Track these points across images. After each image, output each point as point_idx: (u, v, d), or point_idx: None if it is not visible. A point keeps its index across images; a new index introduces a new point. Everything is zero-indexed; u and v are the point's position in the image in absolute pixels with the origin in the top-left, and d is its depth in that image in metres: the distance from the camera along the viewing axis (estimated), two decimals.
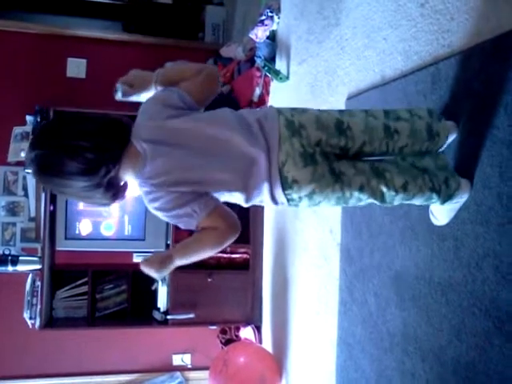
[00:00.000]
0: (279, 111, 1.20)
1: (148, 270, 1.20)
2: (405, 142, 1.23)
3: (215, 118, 1.23)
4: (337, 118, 1.21)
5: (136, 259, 3.13)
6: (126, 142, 1.18)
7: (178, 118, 1.20)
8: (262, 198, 1.21)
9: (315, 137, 1.17)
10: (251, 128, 1.19)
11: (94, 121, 1.19)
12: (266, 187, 1.17)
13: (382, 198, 1.22)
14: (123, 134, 1.18)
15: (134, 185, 1.26)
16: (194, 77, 1.25)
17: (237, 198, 1.23)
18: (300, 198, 1.17)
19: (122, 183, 1.22)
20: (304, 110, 1.23)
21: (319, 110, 1.24)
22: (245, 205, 1.25)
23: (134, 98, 1.30)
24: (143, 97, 1.29)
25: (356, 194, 1.19)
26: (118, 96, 1.28)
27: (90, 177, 1.13)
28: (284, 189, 1.16)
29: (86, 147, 1.12)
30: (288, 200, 1.18)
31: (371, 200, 1.22)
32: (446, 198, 1.25)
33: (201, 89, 1.26)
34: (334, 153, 1.20)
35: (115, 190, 1.20)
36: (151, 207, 1.20)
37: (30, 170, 2.74)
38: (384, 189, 1.20)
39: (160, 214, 1.21)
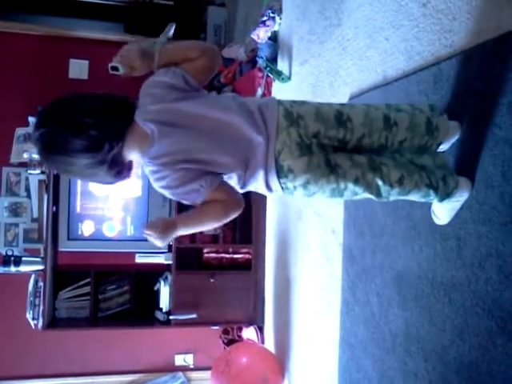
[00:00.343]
0: (279, 102, 1.22)
1: (151, 235, 1.20)
2: (403, 136, 1.23)
3: (218, 103, 1.25)
4: (337, 109, 1.21)
5: (138, 260, 3.13)
6: (130, 121, 1.19)
7: (183, 100, 1.21)
8: (257, 185, 1.23)
9: (313, 128, 1.17)
10: (252, 114, 1.20)
11: (97, 98, 1.20)
12: (261, 174, 1.19)
13: (377, 191, 1.21)
14: (127, 112, 1.20)
15: (137, 167, 1.27)
16: (197, 58, 1.25)
17: (234, 181, 1.24)
18: (295, 187, 1.19)
19: (126, 162, 1.23)
20: (304, 102, 1.24)
21: (320, 103, 1.25)
22: (240, 190, 1.26)
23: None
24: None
25: (351, 186, 1.19)
26: (115, 73, 1.26)
27: (93, 153, 1.15)
28: (279, 177, 1.17)
29: (90, 124, 1.13)
30: (282, 188, 1.20)
31: (367, 194, 1.22)
32: (444, 195, 1.25)
33: (203, 70, 1.26)
34: (332, 145, 1.21)
35: (119, 168, 1.21)
36: (157, 186, 1.22)
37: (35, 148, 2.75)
38: (380, 182, 1.20)
39: (166, 192, 1.22)
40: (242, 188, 1.25)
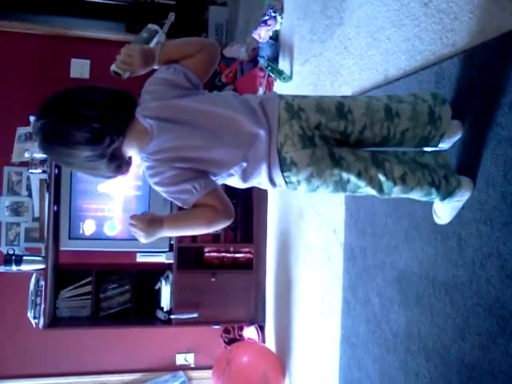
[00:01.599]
0: (280, 96, 1.22)
1: (136, 226, 1.20)
2: (406, 126, 1.22)
3: (219, 100, 1.25)
4: (338, 101, 1.21)
5: (140, 259, 3.13)
6: (131, 116, 1.20)
7: (183, 97, 1.22)
8: (261, 179, 1.22)
9: (314, 119, 1.17)
10: (254, 110, 1.20)
11: (100, 91, 1.21)
12: (264, 168, 1.18)
13: (380, 187, 1.21)
14: (128, 107, 1.21)
15: (136, 163, 1.27)
16: (196, 54, 1.25)
17: (235, 179, 1.24)
18: (298, 181, 1.18)
19: (125, 157, 1.24)
20: (306, 96, 1.24)
21: (321, 96, 1.25)
22: (242, 185, 1.26)
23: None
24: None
25: (354, 179, 1.18)
26: (117, 76, 1.27)
27: (94, 146, 1.15)
28: (283, 170, 1.17)
29: (92, 116, 1.14)
30: (286, 183, 1.19)
31: (369, 188, 1.21)
32: (445, 194, 1.25)
33: (203, 66, 1.27)
34: (334, 138, 1.20)
35: (119, 163, 1.22)
36: (151, 182, 1.22)
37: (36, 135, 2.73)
38: (382, 178, 1.20)
39: (159, 189, 1.22)
40: (244, 182, 1.24)
